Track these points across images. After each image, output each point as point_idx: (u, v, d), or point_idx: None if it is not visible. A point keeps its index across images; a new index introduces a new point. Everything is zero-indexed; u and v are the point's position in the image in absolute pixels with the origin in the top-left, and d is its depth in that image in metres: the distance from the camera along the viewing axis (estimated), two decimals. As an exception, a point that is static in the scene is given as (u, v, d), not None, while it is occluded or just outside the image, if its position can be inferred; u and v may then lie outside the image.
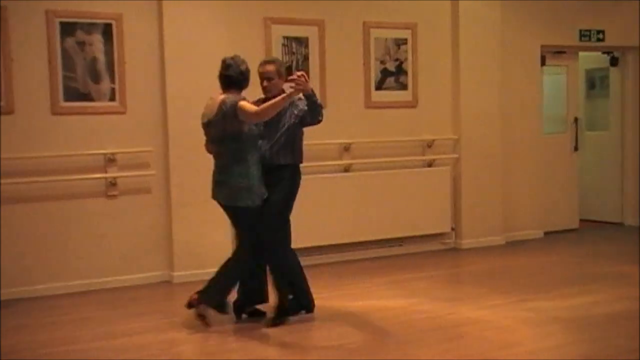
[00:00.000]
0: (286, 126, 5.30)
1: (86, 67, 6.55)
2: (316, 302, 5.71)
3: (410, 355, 4.68)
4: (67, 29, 6.45)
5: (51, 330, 5.40)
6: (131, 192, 6.75)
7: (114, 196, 6.68)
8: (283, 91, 5.16)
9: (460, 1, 8.05)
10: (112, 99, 6.65)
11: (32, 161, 6.33)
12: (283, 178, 5.34)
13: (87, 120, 6.57)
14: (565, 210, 9.15)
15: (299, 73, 5.01)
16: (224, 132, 5.13)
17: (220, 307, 5.31)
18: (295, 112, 5.28)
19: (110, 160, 6.63)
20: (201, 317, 5.23)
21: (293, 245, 7.27)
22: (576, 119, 9.30)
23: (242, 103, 5.08)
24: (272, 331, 5.21)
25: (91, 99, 6.58)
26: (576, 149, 9.29)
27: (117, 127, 6.67)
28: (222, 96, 5.16)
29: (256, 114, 5.06)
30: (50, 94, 6.42)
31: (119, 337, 5.17)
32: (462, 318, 5.48)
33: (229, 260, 5.34)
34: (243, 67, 5.24)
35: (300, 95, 5.14)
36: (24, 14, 6.28)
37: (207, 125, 5.21)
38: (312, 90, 5.14)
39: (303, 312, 5.51)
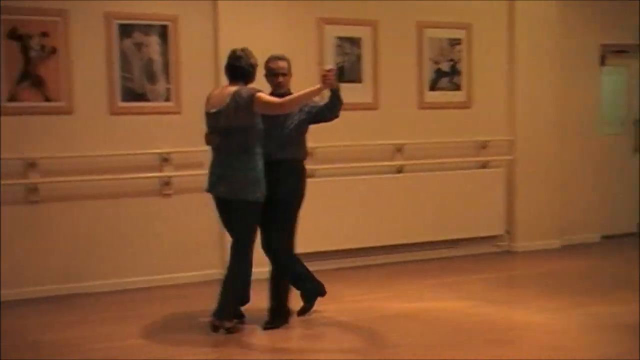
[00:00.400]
0: (297, 122, 5.28)
1: (143, 68, 6.65)
2: (370, 303, 5.72)
3: (462, 357, 4.64)
4: (125, 30, 6.56)
5: (106, 326, 5.50)
6: (185, 191, 6.83)
7: (168, 195, 6.78)
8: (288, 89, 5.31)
9: (517, 1, 7.94)
10: (168, 99, 6.74)
11: (90, 160, 6.46)
12: (290, 174, 5.31)
13: (143, 120, 6.67)
14: (624, 214, 8.93)
15: (328, 67, 5.01)
16: (233, 123, 5.01)
17: (239, 317, 5.33)
18: (306, 108, 5.28)
19: (165, 159, 6.73)
20: (229, 330, 5.15)
21: (348, 246, 7.34)
22: (636, 120, 9.08)
23: (261, 94, 5.01)
24: (324, 331, 5.22)
25: (147, 100, 6.68)
26: (636, 150, 9.07)
27: (172, 127, 6.76)
28: (234, 87, 5.09)
29: (281, 104, 5.00)
30: (108, 94, 6.54)
31: (170, 333, 5.25)
32: (515, 322, 5.40)
33: (231, 266, 5.19)
34: (252, 60, 5.22)
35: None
36: (84, 16, 6.42)
37: (215, 116, 5.08)
38: (338, 86, 5.11)
39: (318, 297, 5.62)
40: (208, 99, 5.20)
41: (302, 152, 5.39)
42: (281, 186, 5.22)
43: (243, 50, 5.26)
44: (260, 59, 6.59)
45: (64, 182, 6.37)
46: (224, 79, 6.71)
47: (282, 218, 5.30)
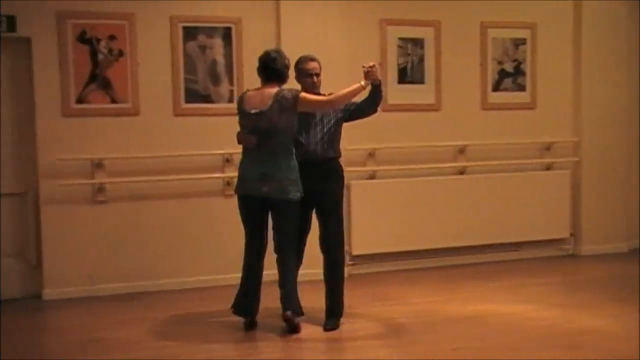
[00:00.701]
0: (335, 120, 5.37)
1: (207, 70, 6.74)
2: (431, 306, 5.69)
3: (525, 362, 4.57)
4: (190, 33, 6.66)
5: (172, 324, 5.59)
6: (247, 192, 6.87)
7: (231, 196, 6.81)
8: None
9: (584, 0, 7.78)
10: (231, 100, 6.79)
11: (154, 160, 6.57)
12: (333, 172, 5.40)
13: (206, 121, 6.75)
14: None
15: (371, 63, 5.11)
16: (276, 124, 5.07)
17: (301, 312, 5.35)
18: (342, 106, 5.33)
19: (228, 160, 6.78)
20: (296, 327, 5.24)
21: (410, 247, 7.29)
22: None
23: (305, 94, 5.13)
24: (384, 332, 5.21)
25: (211, 101, 6.76)
26: None
27: (235, 128, 6.74)
28: (273, 88, 5.16)
29: (330, 102, 5.13)
30: (172, 96, 6.65)
31: (231, 334, 5.30)
32: (581, 327, 5.30)
33: (283, 265, 5.28)
34: (287, 61, 5.28)
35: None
36: (150, 20, 6.54)
37: (256, 116, 5.10)
38: (380, 81, 5.22)
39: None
40: (244, 100, 5.24)
41: (339, 150, 5.48)
42: (328, 184, 5.34)
43: (277, 51, 5.35)
44: (322, 60, 6.66)
45: (129, 182, 6.50)
46: (288, 82, 6.82)
47: (336, 215, 5.37)
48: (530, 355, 4.71)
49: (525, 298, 6.11)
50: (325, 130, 5.34)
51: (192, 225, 6.71)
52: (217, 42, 6.76)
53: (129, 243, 6.54)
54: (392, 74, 7.26)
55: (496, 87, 7.68)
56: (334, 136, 5.39)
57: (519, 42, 7.73)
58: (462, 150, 7.54)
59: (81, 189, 6.41)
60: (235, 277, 6.80)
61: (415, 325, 5.38)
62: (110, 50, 6.45)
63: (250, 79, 6.78)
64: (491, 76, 7.64)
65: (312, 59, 5.45)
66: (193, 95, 6.72)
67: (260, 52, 6.77)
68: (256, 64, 6.73)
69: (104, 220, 6.49)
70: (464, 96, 7.54)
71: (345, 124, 5.48)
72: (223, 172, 6.79)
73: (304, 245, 5.44)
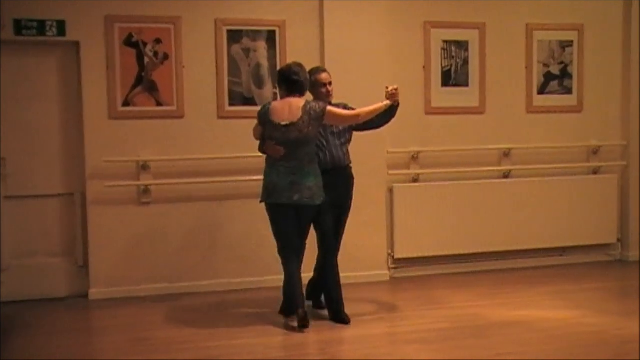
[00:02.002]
0: (349, 129, 5.72)
1: (250, 73, 6.77)
2: (477, 310, 5.69)
3: (572, 369, 4.51)
4: (234, 36, 6.70)
5: (215, 324, 5.62)
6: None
7: (274, 198, 6.85)
8: None
9: (633, 0, 7.64)
10: (274, 103, 6.83)
11: (198, 162, 6.62)
12: (350, 179, 5.77)
13: (250, 124, 6.66)
14: None
15: (395, 86, 5.47)
16: (306, 135, 5.33)
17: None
18: None
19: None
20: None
21: (454, 251, 7.36)
22: None
23: (331, 107, 5.43)
24: (426, 337, 5.17)
25: (254, 104, 6.76)
26: None
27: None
28: (298, 100, 5.40)
29: (354, 117, 5.46)
30: (216, 98, 6.69)
31: (279, 335, 5.31)
32: (630, 334, 5.17)
33: (327, 270, 5.66)
34: (307, 75, 5.53)
35: None
36: (195, 23, 6.59)
37: (286, 128, 5.32)
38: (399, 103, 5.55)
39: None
40: (270, 112, 5.42)
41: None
42: (347, 191, 5.74)
43: (299, 65, 5.53)
44: (365, 62, 6.71)
45: (174, 184, 6.56)
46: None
47: (344, 221, 5.78)
48: (577, 361, 4.63)
49: (571, 304, 6.02)
50: (342, 139, 5.70)
51: (234, 226, 6.74)
52: (261, 45, 6.79)
53: (172, 244, 6.60)
54: (436, 77, 7.21)
55: (542, 90, 7.57)
56: (348, 144, 5.77)
57: (565, 44, 7.62)
58: (506, 154, 7.46)
59: (127, 190, 6.48)
60: (277, 279, 6.86)
61: (458, 330, 5.33)
62: (156, 54, 6.52)
63: (294, 81, 6.83)
64: (537, 79, 7.54)
65: (323, 70, 5.78)
66: (237, 98, 6.75)
67: (304, 55, 6.84)
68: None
69: (149, 222, 6.55)
70: (509, 99, 7.46)
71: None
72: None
73: (304, 248, 5.64)
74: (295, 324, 5.39)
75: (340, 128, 5.67)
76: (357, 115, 5.45)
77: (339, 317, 5.57)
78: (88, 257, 6.47)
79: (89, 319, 6.11)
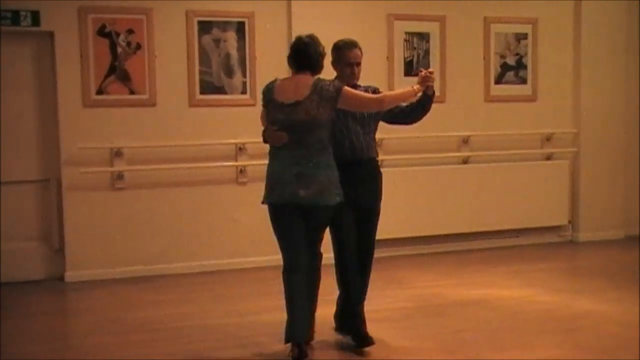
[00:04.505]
0: (375, 119, 4.59)
1: (221, 63, 6.72)
2: (439, 289, 5.72)
3: (526, 343, 4.59)
4: (205, 27, 6.64)
5: (188, 305, 5.60)
6: (259, 180, 6.66)
7: (244, 183, 6.84)
8: None
9: (583, 1, 7.76)
10: (244, 92, 6.79)
11: (171, 149, 6.57)
12: (376, 175, 4.61)
13: (220, 112, 6.74)
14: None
15: (431, 69, 4.55)
16: (314, 117, 4.24)
17: None
18: None
19: (241, 149, 6.78)
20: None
21: (416, 233, 7.20)
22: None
23: (348, 88, 4.33)
24: (390, 315, 5.20)
25: (224, 92, 6.75)
26: (702, 144, 8.74)
27: (248, 118, 6.76)
28: (308, 77, 4.36)
29: (377, 102, 4.37)
30: (188, 87, 6.63)
31: (248, 315, 5.31)
32: (580, 311, 5.30)
33: (317, 265, 4.52)
34: (321, 48, 4.43)
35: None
36: (166, 14, 6.52)
37: (291, 108, 4.26)
38: (434, 93, 4.57)
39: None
40: (273, 90, 4.37)
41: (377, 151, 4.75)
42: (372, 190, 4.57)
43: (310, 36, 4.43)
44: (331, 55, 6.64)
45: (147, 170, 6.50)
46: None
47: (372, 230, 4.64)
48: (531, 337, 4.70)
49: (527, 283, 6.10)
50: (366, 127, 4.53)
51: (206, 211, 6.71)
52: (231, 36, 6.74)
53: (146, 228, 6.54)
54: (399, 67, 7.23)
55: (499, 80, 7.63)
56: (374, 135, 4.62)
57: (520, 37, 7.69)
58: (465, 141, 7.51)
59: (101, 176, 6.41)
60: (249, 260, 6.87)
61: (421, 309, 5.38)
62: (128, 44, 6.43)
63: (262, 71, 6.80)
64: (494, 69, 7.60)
65: (355, 45, 4.54)
66: (207, 87, 6.70)
67: (272, 46, 6.82)
68: (267, 56, 6.82)
69: (123, 206, 6.49)
70: (467, 88, 7.51)
71: None
72: (236, 160, 6.79)
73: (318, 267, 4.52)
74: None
75: (365, 115, 4.49)
76: (381, 100, 4.35)
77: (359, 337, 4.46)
78: (64, 241, 6.40)
79: (65, 300, 6.06)
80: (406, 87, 4.52)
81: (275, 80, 4.46)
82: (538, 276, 6.36)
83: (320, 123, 4.26)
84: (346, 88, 4.31)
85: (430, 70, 4.48)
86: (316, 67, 4.39)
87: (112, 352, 4.55)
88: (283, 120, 4.28)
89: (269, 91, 4.40)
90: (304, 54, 4.38)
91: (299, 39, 4.44)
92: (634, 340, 4.59)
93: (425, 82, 4.42)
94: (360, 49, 4.57)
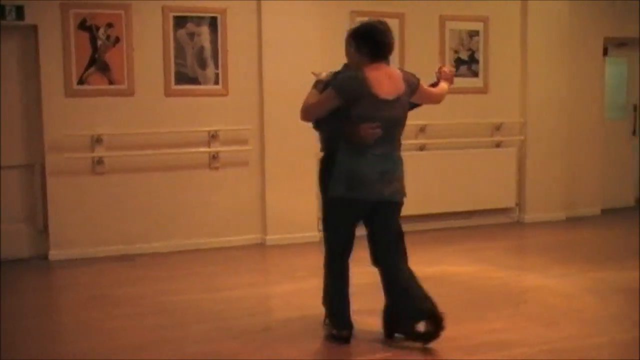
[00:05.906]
0: None
1: (195, 55, 6.79)
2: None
3: (479, 315, 4.75)
4: (180, 22, 6.70)
5: (167, 282, 5.71)
6: (231, 165, 6.98)
7: (217, 168, 6.94)
8: None
9: (530, 1, 7.99)
10: (216, 82, 6.87)
11: (148, 136, 6.64)
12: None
13: (194, 101, 6.82)
14: (622, 190, 8.99)
15: (452, 69, 4.62)
16: (406, 113, 3.93)
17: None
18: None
19: (214, 136, 6.87)
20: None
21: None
22: (635, 106, 9.08)
23: (423, 83, 4.05)
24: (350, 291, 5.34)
25: (198, 83, 6.82)
26: (634, 133, 9.08)
27: (220, 107, 6.90)
28: (397, 70, 3.98)
29: (441, 96, 4.22)
30: (164, 78, 6.69)
31: (222, 290, 5.42)
32: (527, 285, 5.50)
33: (404, 270, 4.33)
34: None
35: None
36: (144, 9, 6.58)
37: (390, 104, 3.80)
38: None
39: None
40: (370, 84, 3.78)
41: None
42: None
43: (382, 23, 3.92)
44: (298, 48, 6.80)
45: (125, 155, 6.57)
46: (266, 65, 6.93)
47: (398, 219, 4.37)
48: (483, 310, 4.87)
49: (478, 260, 6.28)
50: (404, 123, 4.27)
51: (182, 193, 6.80)
52: (205, 30, 6.81)
53: (126, 210, 6.62)
54: (361, 61, 7.35)
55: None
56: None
57: (473, 34, 7.89)
58: (422, 129, 7.70)
59: (83, 161, 6.47)
60: (222, 240, 6.96)
61: (379, 285, 5.47)
62: (108, 37, 6.47)
63: (234, 63, 6.89)
64: (449, 63, 7.77)
65: (389, 30, 3.99)
66: (182, 78, 6.76)
67: (243, 39, 6.89)
68: (239, 49, 6.88)
69: (103, 190, 6.56)
70: (425, 81, 7.53)
71: None
72: (209, 146, 6.88)
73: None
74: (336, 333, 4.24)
75: None
76: (442, 96, 4.18)
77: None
78: (48, 222, 6.45)
79: (50, 278, 6.11)
80: (442, 85, 4.41)
81: (363, 70, 3.82)
82: (489, 254, 6.56)
83: (403, 119, 3.95)
84: (422, 82, 4.02)
85: (452, 69, 4.58)
86: (388, 58, 3.91)
87: (98, 326, 4.62)
88: (379, 117, 3.78)
89: (360, 83, 3.78)
90: (385, 43, 3.86)
91: (375, 27, 3.87)
92: (579, 310, 4.84)
93: (449, 78, 4.39)
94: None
